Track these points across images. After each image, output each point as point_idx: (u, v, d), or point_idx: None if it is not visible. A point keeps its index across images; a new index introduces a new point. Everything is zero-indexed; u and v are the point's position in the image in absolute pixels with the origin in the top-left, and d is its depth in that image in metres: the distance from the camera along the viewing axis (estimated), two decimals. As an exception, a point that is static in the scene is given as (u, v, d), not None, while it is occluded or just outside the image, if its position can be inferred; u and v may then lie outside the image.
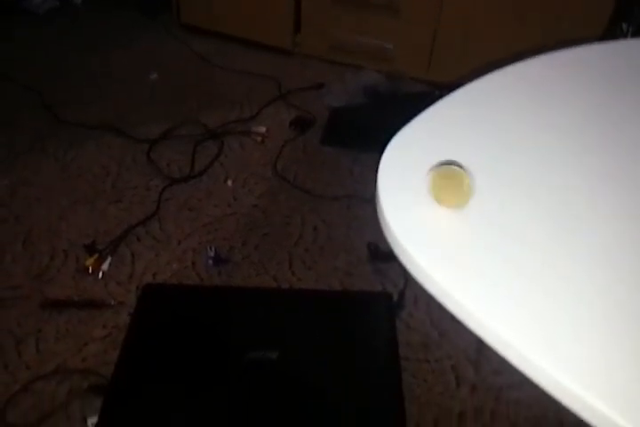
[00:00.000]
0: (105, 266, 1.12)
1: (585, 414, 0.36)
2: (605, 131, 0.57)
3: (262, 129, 1.49)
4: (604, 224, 0.47)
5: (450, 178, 0.46)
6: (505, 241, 0.45)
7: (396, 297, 1.06)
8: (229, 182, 1.34)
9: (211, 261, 1.14)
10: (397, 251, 0.46)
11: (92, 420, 0.88)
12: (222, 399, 0.87)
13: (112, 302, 1.05)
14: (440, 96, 0.64)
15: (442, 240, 0.46)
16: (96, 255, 1.12)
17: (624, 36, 1.39)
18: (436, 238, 0.46)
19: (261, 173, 1.38)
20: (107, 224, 1.22)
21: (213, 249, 1.14)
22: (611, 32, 1.38)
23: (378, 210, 0.48)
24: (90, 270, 1.10)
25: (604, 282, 0.42)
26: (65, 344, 0.99)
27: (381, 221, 0.47)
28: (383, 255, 1.14)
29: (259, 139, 1.47)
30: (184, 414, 0.86)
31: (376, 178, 0.51)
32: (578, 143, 0.56)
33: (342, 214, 1.27)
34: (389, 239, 0.47)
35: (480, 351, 1.00)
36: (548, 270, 0.43)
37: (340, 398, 0.88)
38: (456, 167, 0.47)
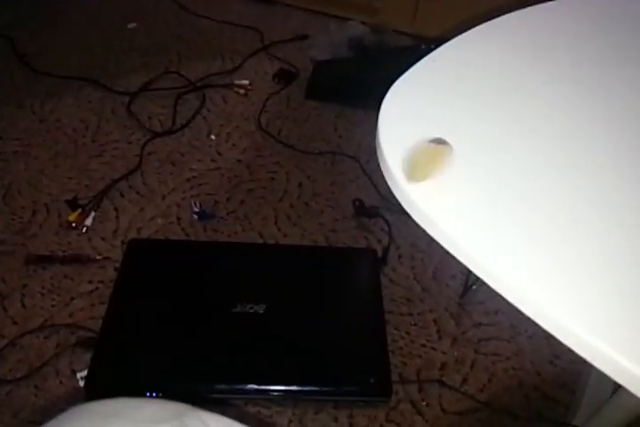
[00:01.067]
0: (88, 221, 1.11)
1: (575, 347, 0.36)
2: (603, 79, 0.58)
3: (245, 82, 1.46)
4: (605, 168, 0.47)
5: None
6: (506, 185, 0.45)
7: (380, 253, 1.07)
8: (212, 136, 1.33)
9: (196, 217, 1.14)
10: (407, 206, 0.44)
11: (82, 374, 0.89)
12: (210, 352, 0.89)
13: (97, 257, 1.05)
14: (428, 50, 0.63)
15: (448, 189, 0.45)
16: (79, 210, 1.11)
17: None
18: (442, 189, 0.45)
19: (245, 127, 1.36)
20: (88, 179, 1.20)
21: (198, 204, 1.14)
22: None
23: (381, 163, 0.47)
24: (73, 226, 1.09)
25: (609, 214, 0.43)
26: (51, 300, 0.99)
27: (387, 175, 0.46)
28: (368, 212, 1.15)
29: (241, 92, 1.44)
30: (172, 365, 0.88)
31: (375, 131, 0.50)
32: (576, 92, 0.56)
33: (327, 170, 1.27)
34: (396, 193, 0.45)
35: (461, 306, 1.02)
36: (537, 196, 0.44)
37: (325, 349, 0.90)
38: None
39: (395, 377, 0.90)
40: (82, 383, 0.87)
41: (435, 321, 1.00)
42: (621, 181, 0.47)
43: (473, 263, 0.41)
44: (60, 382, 0.89)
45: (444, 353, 0.96)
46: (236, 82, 1.46)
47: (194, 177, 1.23)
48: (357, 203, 1.15)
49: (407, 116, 0.52)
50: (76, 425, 0.35)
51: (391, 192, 1.37)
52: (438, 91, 0.56)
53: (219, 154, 1.29)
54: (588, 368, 0.93)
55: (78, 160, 1.25)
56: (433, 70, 0.59)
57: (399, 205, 1.24)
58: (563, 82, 0.58)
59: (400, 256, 1.10)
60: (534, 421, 0.87)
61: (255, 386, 0.85)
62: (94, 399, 0.87)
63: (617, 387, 0.85)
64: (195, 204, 1.14)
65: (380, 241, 1.12)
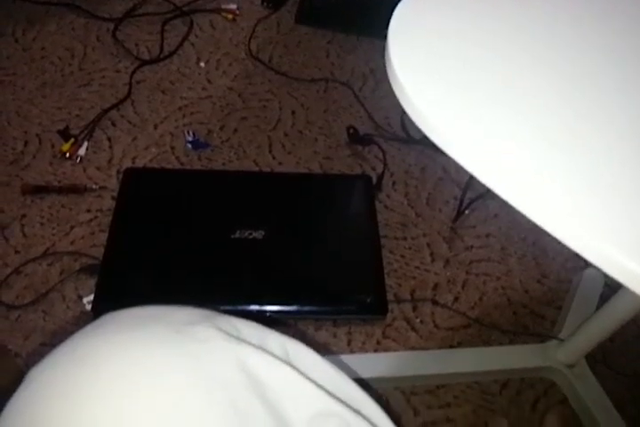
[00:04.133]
0: (82, 151, 1.11)
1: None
2: None
3: (233, 6, 1.42)
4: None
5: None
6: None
7: (374, 180, 1.09)
8: (202, 64, 1.30)
9: (190, 146, 1.13)
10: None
11: (88, 298, 0.91)
12: (211, 276, 0.92)
13: (94, 187, 1.05)
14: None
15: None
16: (72, 140, 1.10)
17: None
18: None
19: (235, 53, 1.33)
20: (78, 109, 1.19)
21: (191, 133, 1.13)
22: None
23: (391, 79, 0.46)
24: (67, 156, 1.09)
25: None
26: (51, 229, 1.01)
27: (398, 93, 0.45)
28: (362, 139, 1.15)
29: (229, 17, 1.40)
30: (174, 289, 0.91)
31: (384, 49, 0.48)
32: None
33: (320, 98, 1.26)
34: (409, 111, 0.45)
35: (454, 230, 1.05)
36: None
37: (324, 271, 0.94)
38: None
39: (390, 297, 0.94)
40: (89, 307, 0.90)
41: (428, 245, 1.03)
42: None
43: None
44: (68, 307, 0.91)
45: (436, 274, 0.99)
46: (224, 6, 1.42)
47: (185, 106, 1.22)
48: (351, 130, 1.16)
49: (418, 29, 0.50)
50: (113, 329, 0.37)
51: (386, 119, 1.36)
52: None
53: (209, 82, 1.27)
54: (574, 286, 0.98)
55: (66, 89, 1.22)
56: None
57: (393, 132, 1.25)
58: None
59: (394, 183, 1.12)
60: (522, 335, 0.92)
61: (257, 307, 0.88)
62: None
63: (600, 304, 0.90)
64: (188, 133, 1.14)
65: (374, 168, 1.14)
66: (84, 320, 0.90)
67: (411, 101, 0.43)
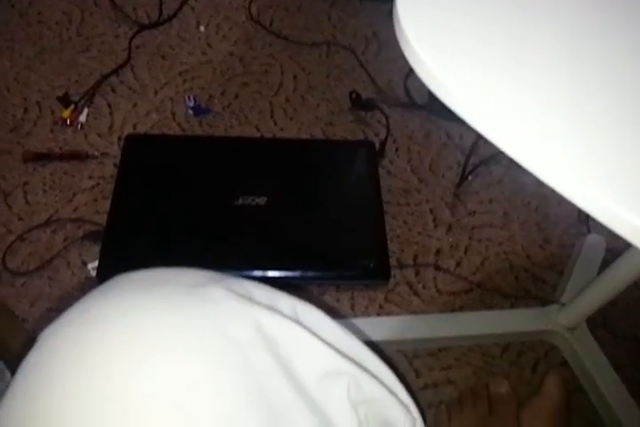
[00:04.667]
0: (82, 118, 1.10)
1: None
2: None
3: (232, -32, 1.38)
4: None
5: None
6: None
7: (377, 146, 1.08)
8: (202, 28, 1.28)
9: (191, 111, 1.12)
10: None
11: (92, 265, 0.92)
12: (215, 242, 0.92)
13: (95, 154, 1.05)
14: None
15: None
16: (72, 107, 1.10)
17: None
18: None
19: (235, 17, 1.31)
20: (77, 75, 1.17)
21: (192, 98, 1.12)
22: None
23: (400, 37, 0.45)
24: (67, 123, 1.08)
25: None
26: (53, 196, 1.01)
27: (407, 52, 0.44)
28: (365, 104, 1.14)
29: (229, -21, 1.37)
30: (178, 255, 0.91)
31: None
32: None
33: (322, 62, 1.24)
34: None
35: (457, 196, 1.05)
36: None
37: (327, 237, 0.94)
38: None
39: (393, 262, 0.94)
40: (93, 273, 0.91)
41: (431, 210, 1.03)
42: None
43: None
44: (73, 273, 0.92)
45: (439, 240, 1.00)
46: (223, -32, 1.38)
47: (186, 71, 1.20)
48: (354, 95, 1.14)
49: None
50: (123, 292, 0.37)
51: (389, 83, 1.35)
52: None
53: (209, 46, 1.25)
54: (576, 251, 0.98)
55: (65, 55, 1.21)
56: None
57: (396, 97, 1.24)
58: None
59: (397, 149, 1.11)
60: (523, 299, 0.93)
61: (261, 273, 0.89)
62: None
63: (602, 269, 0.90)
64: (189, 98, 1.12)
65: (377, 134, 1.13)
66: (89, 286, 0.91)
67: (419, 58, 0.42)
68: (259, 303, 0.37)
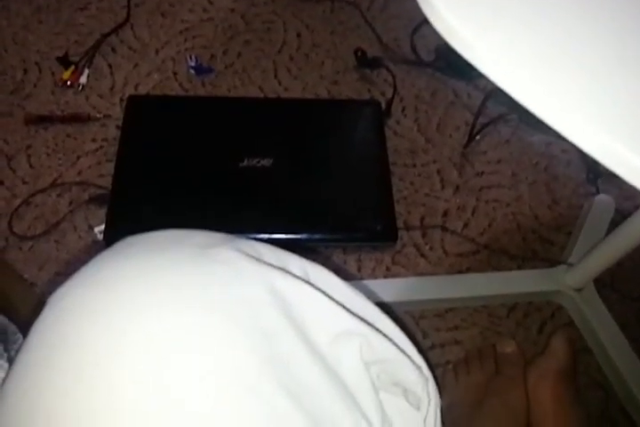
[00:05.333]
0: (83, 79, 1.08)
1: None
2: None
3: None
4: None
5: None
6: None
7: (383, 105, 1.06)
8: (202, -16, 1.24)
9: (193, 71, 1.10)
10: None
11: (99, 228, 0.92)
12: (221, 205, 0.92)
13: (98, 116, 1.03)
14: None
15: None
16: (72, 68, 1.07)
17: None
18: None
19: (236, -28, 1.26)
20: (76, 34, 1.14)
21: (194, 58, 1.10)
22: None
23: None
24: (68, 84, 1.06)
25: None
26: (57, 159, 1.00)
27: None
28: (371, 62, 1.11)
29: None
30: (184, 218, 0.91)
31: None
32: None
33: (325, 19, 1.20)
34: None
35: (464, 156, 1.04)
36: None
37: (333, 199, 0.93)
38: None
39: (400, 224, 0.94)
40: (100, 237, 0.91)
41: (438, 171, 1.02)
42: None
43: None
44: (80, 237, 0.92)
45: (446, 201, 0.99)
46: None
47: (186, 29, 1.17)
48: (359, 53, 1.11)
49: None
50: (133, 253, 0.36)
51: (395, 40, 1.31)
52: None
53: (210, 3, 1.21)
54: (584, 212, 0.97)
55: (63, 14, 1.17)
56: None
57: (403, 54, 1.20)
58: None
59: (404, 108, 1.09)
60: (530, 260, 0.93)
61: (267, 235, 0.89)
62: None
63: (610, 230, 0.90)
64: (190, 57, 1.10)
65: (383, 93, 1.10)
66: (96, 250, 0.91)
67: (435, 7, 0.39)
68: (270, 265, 0.37)
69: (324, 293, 0.37)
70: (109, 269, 0.35)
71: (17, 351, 0.34)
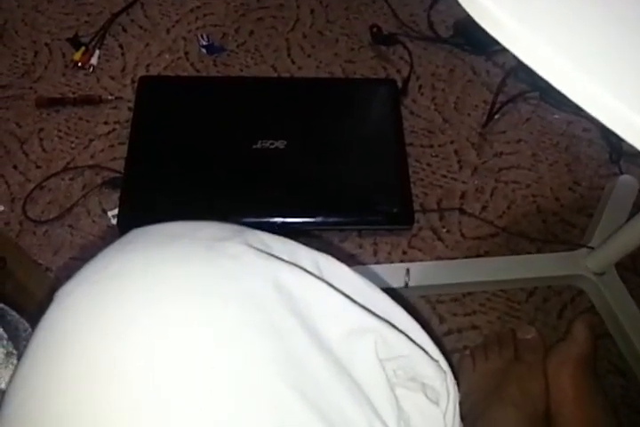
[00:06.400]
0: (94, 60, 1.06)
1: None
2: None
3: None
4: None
5: None
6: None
7: (399, 83, 1.03)
8: (213, -40, 1.21)
9: (204, 50, 1.08)
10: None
11: (112, 212, 0.91)
12: (235, 187, 0.91)
13: (109, 98, 1.02)
14: None
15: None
16: (82, 49, 1.06)
17: None
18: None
19: (248, -53, 1.23)
20: (86, 14, 1.13)
21: (206, 37, 1.07)
22: None
23: None
24: (79, 65, 1.05)
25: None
26: (69, 142, 0.99)
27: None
28: (386, 39, 1.08)
29: None
30: (198, 201, 0.90)
31: None
32: None
33: (340, -6, 1.17)
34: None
35: (483, 136, 1.01)
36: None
37: (348, 181, 0.91)
38: None
39: (416, 207, 0.92)
40: (114, 221, 0.90)
41: (456, 152, 1.00)
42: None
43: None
44: (93, 222, 0.92)
45: (464, 183, 0.97)
46: None
47: (197, 7, 1.15)
48: (375, 30, 1.08)
49: None
50: (141, 247, 0.35)
51: (411, 16, 1.28)
52: None
53: (222, -20, 1.18)
54: (606, 193, 0.94)
55: (72, -7, 1.15)
56: None
57: (420, 30, 1.17)
58: None
59: (420, 86, 1.06)
60: (550, 243, 0.91)
61: (281, 219, 0.87)
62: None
63: (634, 212, 0.87)
64: (202, 36, 1.08)
65: (399, 71, 1.08)
66: (110, 234, 0.91)
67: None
68: (279, 259, 0.36)
69: (335, 287, 0.36)
70: (116, 265, 0.34)
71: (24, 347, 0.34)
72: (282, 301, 0.33)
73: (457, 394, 0.38)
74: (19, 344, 0.34)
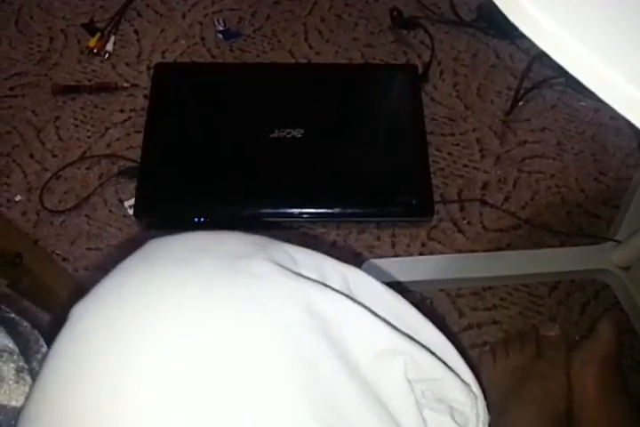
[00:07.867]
0: (109, 46, 1.05)
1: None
2: None
3: None
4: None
5: None
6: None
7: (420, 69, 1.00)
8: (229, -59, 1.18)
9: (221, 36, 1.06)
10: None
11: (129, 202, 0.91)
12: (252, 177, 0.89)
13: (125, 85, 1.01)
14: None
15: None
16: (98, 35, 1.04)
17: None
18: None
19: None
20: (101, -1, 1.11)
21: (222, 22, 1.05)
22: None
23: None
24: (95, 52, 1.04)
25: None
26: (85, 131, 0.98)
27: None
28: (407, 22, 1.05)
29: None
30: (215, 190, 0.89)
31: None
32: None
33: (360, -24, 1.14)
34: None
35: (506, 124, 0.98)
36: None
37: (367, 171, 0.90)
38: None
39: (436, 198, 0.90)
40: (130, 211, 0.90)
41: (478, 140, 0.97)
42: None
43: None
44: (110, 212, 0.91)
45: (486, 173, 0.94)
46: None
47: (214, -10, 1.12)
48: (395, 13, 1.05)
49: None
50: (160, 263, 0.34)
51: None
52: None
53: (238, -39, 1.16)
54: (634, 184, 0.91)
55: (87, -24, 1.13)
56: None
57: (441, 13, 1.13)
58: None
59: (442, 72, 1.03)
60: (575, 236, 0.88)
61: (299, 210, 0.86)
62: (145, 226, 0.89)
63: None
64: (218, 21, 1.06)
65: (420, 56, 1.05)
66: (127, 224, 0.90)
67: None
68: (307, 278, 0.34)
69: (365, 306, 0.34)
70: (132, 284, 0.33)
71: (39, 362, 0.33)
72: (312, 324, 0.32)
73: (487, 417, 0.37)
74: (30, 357, 0.34)
